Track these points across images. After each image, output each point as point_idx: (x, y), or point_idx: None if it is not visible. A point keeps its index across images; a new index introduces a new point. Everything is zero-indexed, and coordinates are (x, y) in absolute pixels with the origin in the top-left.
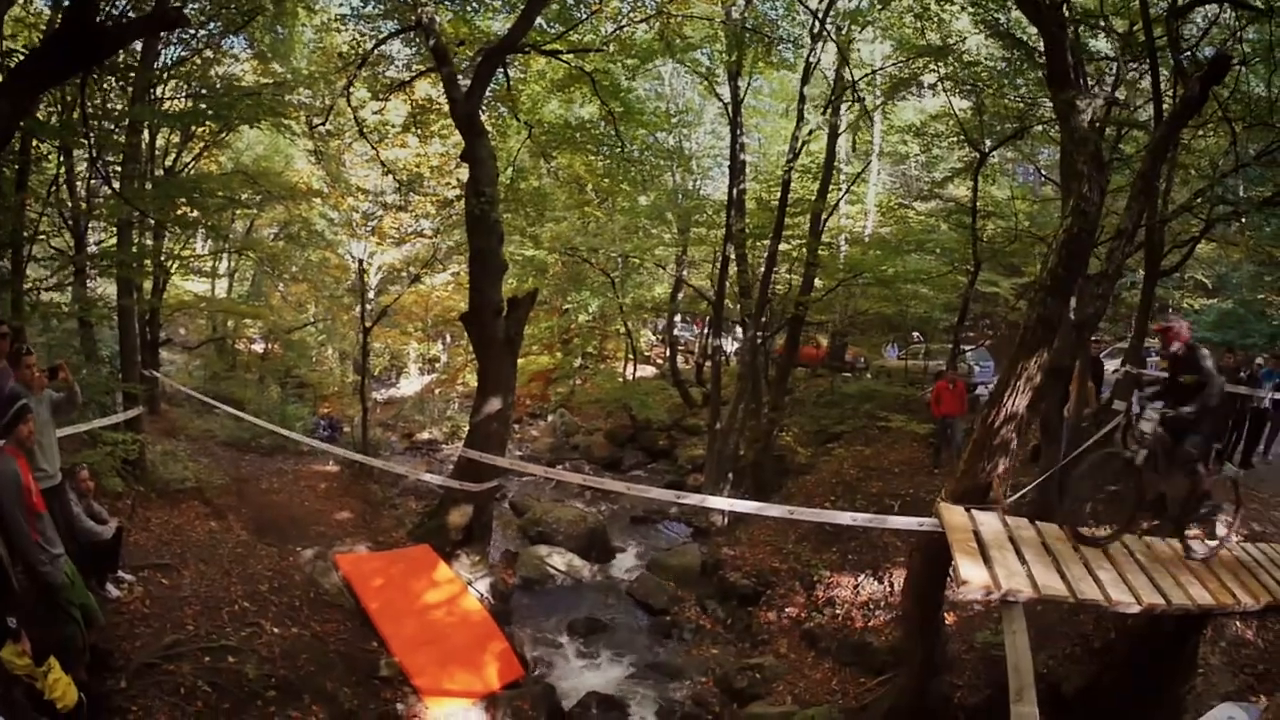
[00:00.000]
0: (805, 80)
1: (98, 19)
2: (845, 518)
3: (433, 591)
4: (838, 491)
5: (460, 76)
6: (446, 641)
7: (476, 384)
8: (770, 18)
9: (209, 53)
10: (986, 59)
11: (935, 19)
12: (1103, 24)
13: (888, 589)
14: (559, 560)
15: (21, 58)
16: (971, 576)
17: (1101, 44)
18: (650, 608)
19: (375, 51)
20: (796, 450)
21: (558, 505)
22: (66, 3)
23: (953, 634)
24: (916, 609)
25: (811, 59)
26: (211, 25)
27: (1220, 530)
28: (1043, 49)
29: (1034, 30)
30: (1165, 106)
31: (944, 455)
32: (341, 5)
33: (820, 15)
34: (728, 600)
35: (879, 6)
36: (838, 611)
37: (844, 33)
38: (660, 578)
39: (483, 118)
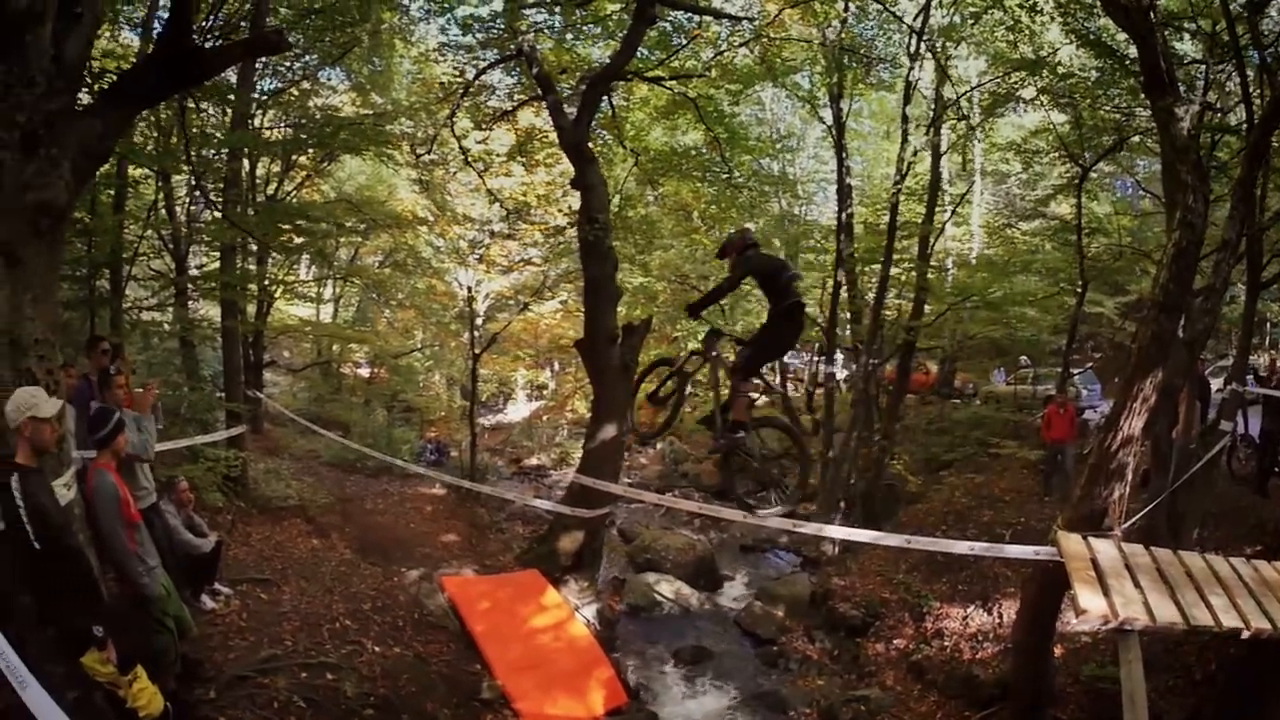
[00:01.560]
0: (907, 100)
1: (195, 42)
2: (962, 546)
3: (540, 616)
4: (949, 521)
5: (564, 104)
6: (551, 666)
7: (590, 411)
8: (865, 38)
9: (305, 84)
10: (1079, 70)
11: (1027, 31)
12: (1188, 25)
13: (997, 620)
14: (667, 588)
15: (115, 78)
16: (1091, 606)
17: (1187, 46)
18: (758, 637)
19: (476, 81)
20: (907, 479)
21: (666, 533)
22: (160, 25)
23: (1059, 667)
24: (1028, 640)
25: (911, 78)
26: (307, 58)
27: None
28: (1134, 56)
29: (1123, 37)
30: (1256, 108)
31: (1054, 482)
32: (439, 36)
33: (917, 32)
34: (836, 631)
35: (972, 21)
36: (946, 643)
37: (940, 50)
38: (769, 607)
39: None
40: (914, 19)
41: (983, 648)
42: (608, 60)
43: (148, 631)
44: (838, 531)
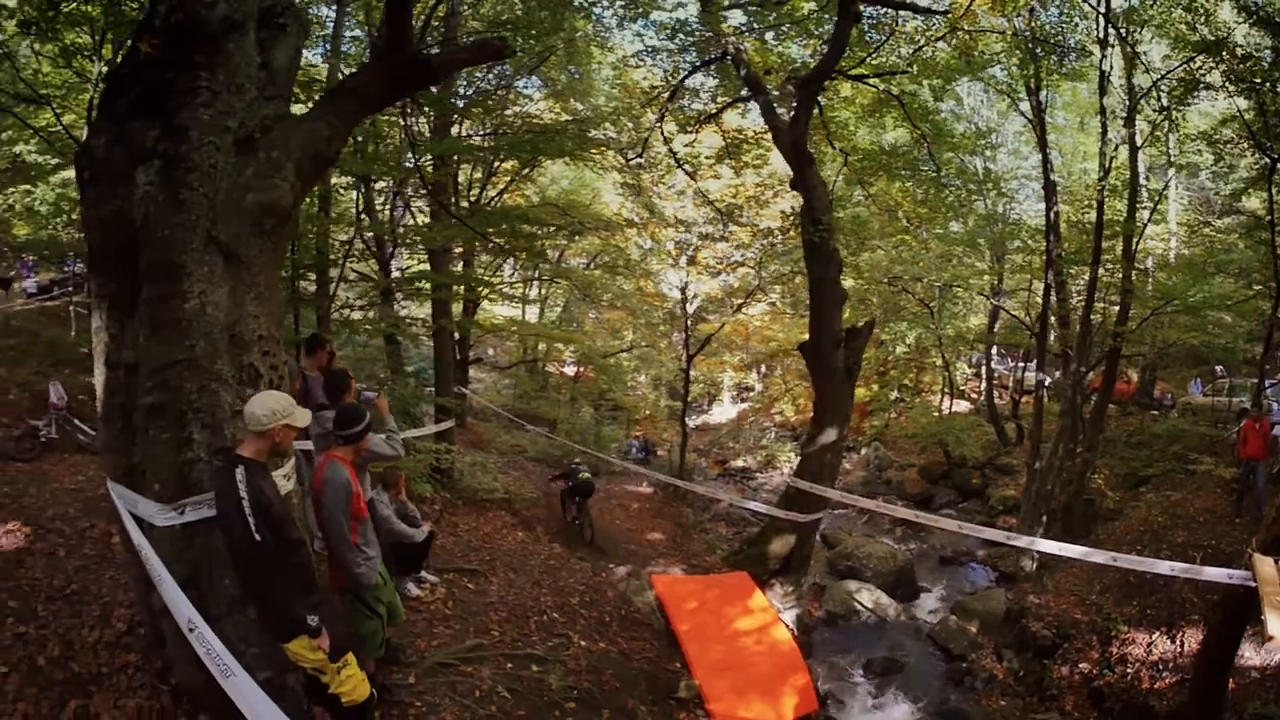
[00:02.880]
0: (1103, 91)
1: (417, 48)
2: (1163, 567)
3: (745, 619)
4: (1144, 540)
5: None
6: (750, 669)
7: (812, 414)
8: (1050, 27)
9: (500, 93)
10: (1255, 50)
11: (1202, 10)
12: None
13: (1178, 648)
14: (866, 597)
15: (335, 85)
16: (1277, 632)
17: None
18: (949, 652)
19: (683, 84)
20: (1106, 494)
21: (869, 540)
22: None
23: (1228, 702)
24: (1207, 670)
25: (1105, 66)
26: (501, 67)
27: None
28: None
29: None
30: None
31: (1245, 502)
32: (634, 42)
33: (1103, 14)
34: (1024, 651)
35: (1150, 1)
36: (1128, 670)
37: (1129, 36)
38: (963, 621)
39: None
40: (1097, 2)
41: (1162, 677)
42: (809, 59)
43: (357, 617)
44: (1048, 545)
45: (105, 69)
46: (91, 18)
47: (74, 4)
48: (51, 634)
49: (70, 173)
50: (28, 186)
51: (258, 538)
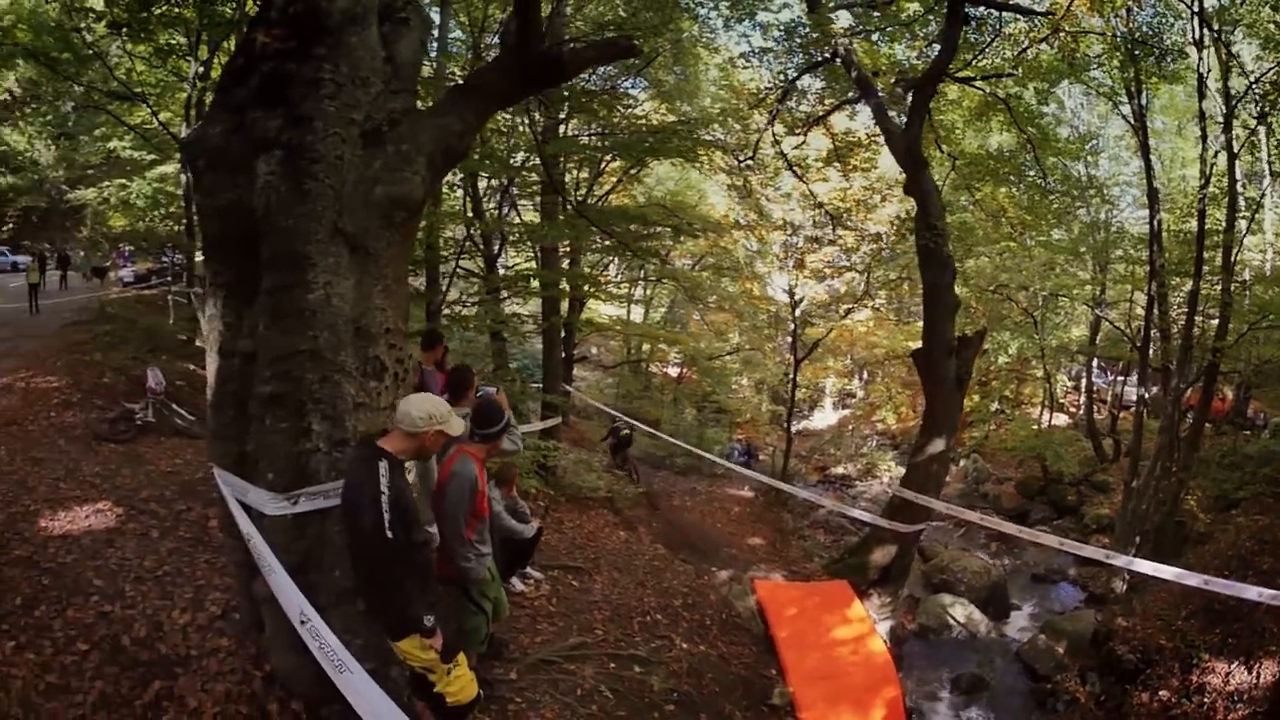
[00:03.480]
0: (1201, 95)
1: (546, 46)
2: (1252, 593)
3: (843, 628)
4: (1231, 565)
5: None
6: (844, 678)
7: (920, 423)
8: (1147, 27)
9: (606, 95)
10: None
11: None
12: None
13: (1254, 679)
14: (959, 612)
15: (463, 78)
16: None
17: None
18: (1035, 672)
19: (794, 85)
20: (1198, 516)
21: (964, 554)
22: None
23: None
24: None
25: (1201, 69)
26: (604, 69)
27: None
28: None
29: None
30: None
31: None
32: (738, 43)
33: (1198, 13)
34: (1108, 674)
35: (1238, 2)
36: (1205, 699)
37: (1223, 36)
38: (1051, 641)
39: None
40: (1190, 1)
41: (1235, 708)
42: (914, 61)
43: (463, 611)
44: (1145, 565)
45: (201, 68)
46: (186, 19)
47: (165, 6)
48: (139, 614)
49: (167, 168)
50: (123, 180)
51: (389, 534)
